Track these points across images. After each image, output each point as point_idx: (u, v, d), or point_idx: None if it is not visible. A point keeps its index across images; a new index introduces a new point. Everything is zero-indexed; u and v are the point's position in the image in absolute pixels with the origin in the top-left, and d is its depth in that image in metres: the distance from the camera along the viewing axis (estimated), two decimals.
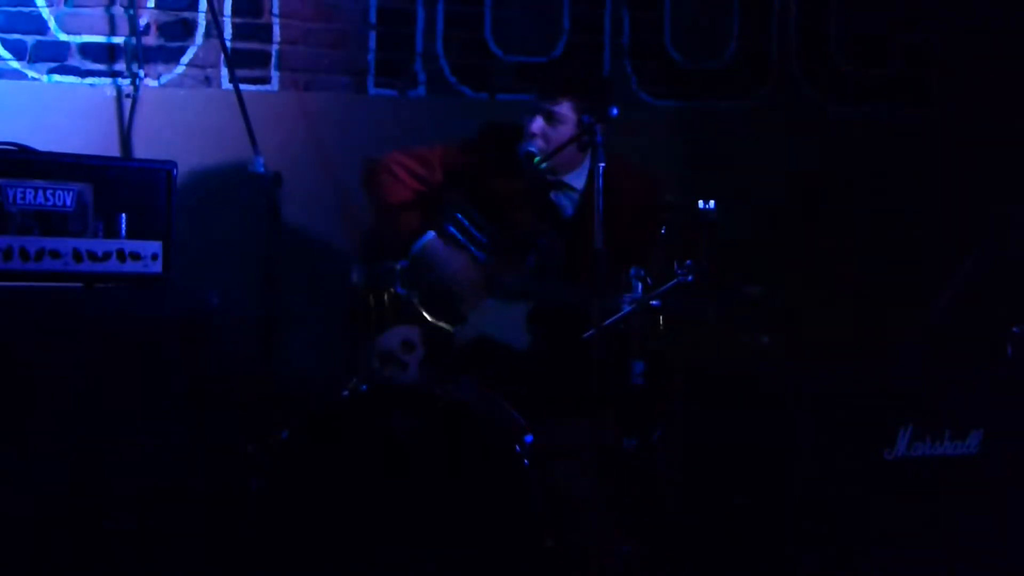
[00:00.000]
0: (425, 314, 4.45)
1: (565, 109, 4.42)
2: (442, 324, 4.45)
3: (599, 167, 3.86)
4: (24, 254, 3.98)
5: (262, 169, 4.54)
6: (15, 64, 5.04)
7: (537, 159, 4.37)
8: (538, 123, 4.44)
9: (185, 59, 5.19)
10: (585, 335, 4.04)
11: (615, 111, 3.89)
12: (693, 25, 5.62)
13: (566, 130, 4.41)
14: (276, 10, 5.27)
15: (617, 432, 4.27)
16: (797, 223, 5.62)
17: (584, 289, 4.12)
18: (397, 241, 4.48)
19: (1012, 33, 5.75)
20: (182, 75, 5.19)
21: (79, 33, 5.09)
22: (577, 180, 4.56)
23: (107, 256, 4.09)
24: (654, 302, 4.04)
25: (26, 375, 3.91)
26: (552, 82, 4.50)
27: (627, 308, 4.04)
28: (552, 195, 4.57)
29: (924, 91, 5.79)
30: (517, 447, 3.98)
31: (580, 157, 4.50)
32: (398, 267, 4.35)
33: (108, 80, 5.11)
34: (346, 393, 4.06)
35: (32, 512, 3.89)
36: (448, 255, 4.46)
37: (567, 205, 4.59)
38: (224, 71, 5.15)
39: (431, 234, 4.46)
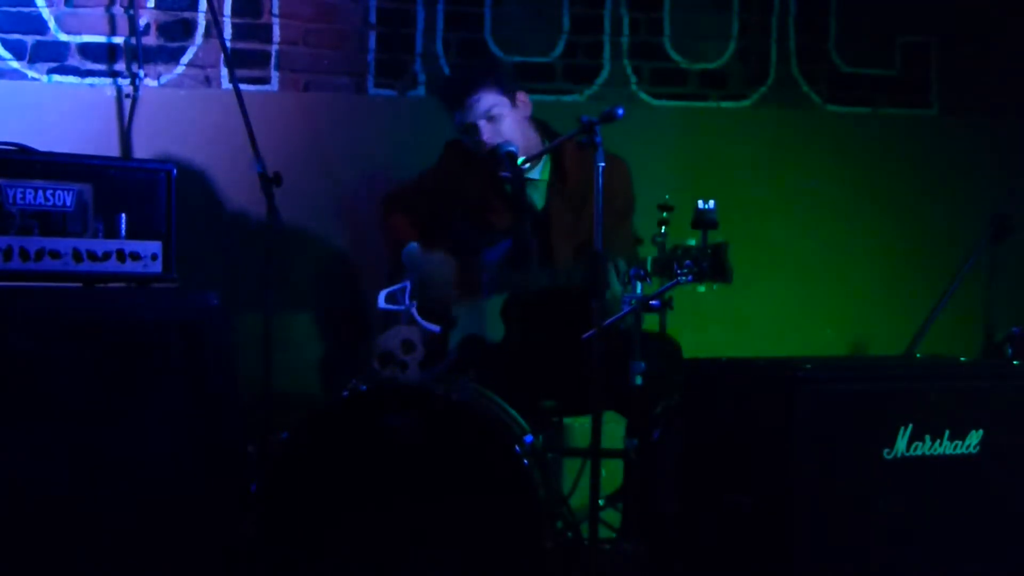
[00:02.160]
0: (418, 318, 4.49)
1: (491, 99, 4.50)
2: (433, 327, 4.48)
3: (599, 167, 3.86)
4: (24, 254, 3.98)
5: (261, 169, 4.54)
6: (15, 64, 5.04)
7: (521, 159, 4.40)
8: (483, 129, 4.50)
9: (185, 59, 5.19)
10: (585, 336, 4.06)
11: (621, 111, 3.87)
12: (692, 25, 5.62)
13: (510, 119, 4.52)
14: (276, 10, 5.27)
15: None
16: (796, 223, 5.63)
17: (555, 275, 4.35)
18: (394, 254, 4.65)
19: (1011, 33, 5.75)
20: (182, 75, 5.19)
21: (79, 33, 5.09)
22: (536, 172, 4.64)
23: (107, 256, 4.09)
24: (654, 302, 4.04)
25: (26, 375, 3.91)
26: (462, 85, 4.55)
27: (627, 308, 4.04)
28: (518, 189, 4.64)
29: (923, 92, 5.79)
30: (517, 447, 3.98)
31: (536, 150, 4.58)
32: (407, 285, 4.43)
33: (108, 80, 5.11)
34: (346, 393, 4.06)
35: (31, 512, 3.89)
36: (425, 257, 4.55)
37: (537, 198, 4.64)
38: (224, 71, 5.16)
39: (414, 244, 4.58)
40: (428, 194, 4.76)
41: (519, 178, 4.46)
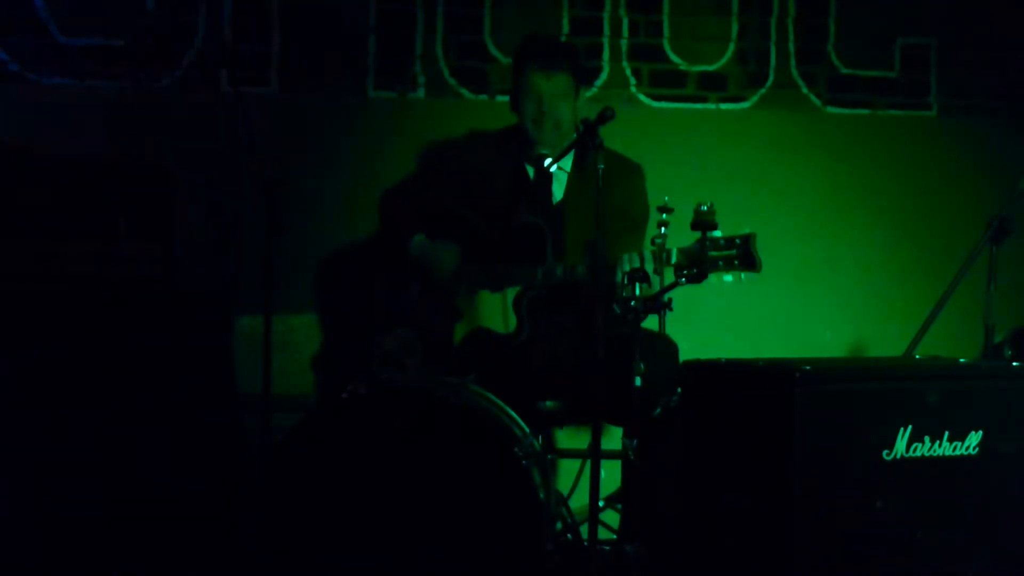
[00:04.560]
0: (423, 314, 4.50)
1: (569, 81, 4.55)
2: (441, 320, 4.48)
3: (599, 168, 3.90)
4: (24, 257, 3.99)
5: (261, 171, 4.52)
6: (15, 67, 5.05)
7: (548, 161, 4.42)
8: (547, 102, 4.51)
9: (185, 61, 5.19)
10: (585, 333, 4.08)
11: (610, 113, 3.95)
12: (692, 27, 5.62)
13: (570, 108, 4.55)
14: (276, 12, 5.27)
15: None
16: (795, 225, 5.63)
17: (571, 269, 4.34)
18: (398, 246, 4.60)
19: (1010, 35, 5.76)
20: (182, 78, 5.19)
21: (79, 36, 5.09)
22: (565, 163, 4.63)
23: (107, 259, 4.10)
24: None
25: (27, 378, 3.92)
26: (559, 53, 4.60)
27: (627, 311, 4.05)
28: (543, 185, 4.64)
29: (923, 93, 5.79)
30: (516, 449, 3.98)
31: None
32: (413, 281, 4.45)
33: (108, 83, 5.11)
34: (346, 395, 4.06)
35: (30, 512, 3.90)
36: (432, 250, 4.54)
37: (557, 189, 4.65)
38: (224, 73, 5.15)
39: (420, 235, 4.56)
40: (440, 183, 4.73)
41: (543, 177, 4.50)
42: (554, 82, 4.52)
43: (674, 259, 4.08)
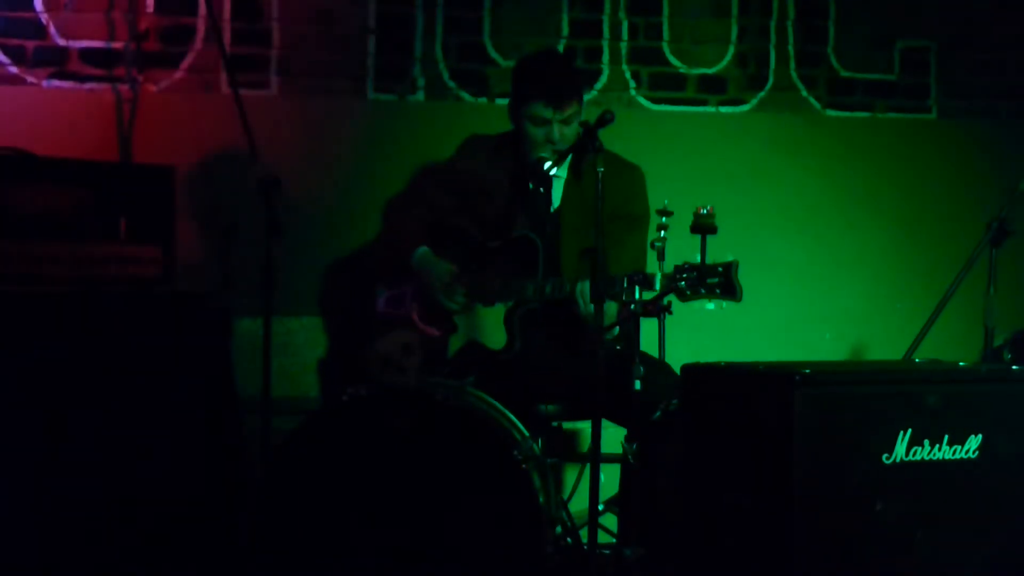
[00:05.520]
0: (418, 323, 4.49)
1: (577, 107, 4.50)
2: (434, 331, 4.48)
3: (598, 172, 3.91)
4: (24, 259, 3.99)
5: (261, 173, 4.53)
6: (15, 69, 5.05)
7: (548, 164, 4.41)
8: (556, 129, 4.48)
9: (184, 64, 5.19)
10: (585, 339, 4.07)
11: (610, 116, 3.95)
12: (691, 30, 5.63)
13: (574, 125, 4.50)
14: (275, 15, 5.27)
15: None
16: (795, 227, 5.64)
17: (561, 286, 4.32)
18: (402, 258, 4.59)
19: (1010, 37, 5.76)
20: (182, 80, 5.19)
21: (79, 38, 5.09)
22: (561, 170, 4.62)
23: (107, 260, 4.10)
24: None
25: (27, 378, 3.91)
26: (570, 87, 4.52)
27: (628, 314, 4.05)
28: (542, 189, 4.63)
29: (923, 96, 5.80)
30: (516, 453, 3.98)
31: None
32: (408, 290, 4.42)
33: (108, 85, 5.11)
34: (346, 397, 4.06)
35: (30, 513, 3.90)
36: (435, 264, 4.52)
37: (555, 196, 4.64)
38: (223, 76, 5.16)
39: (425, 248, 4.55)
40: (441, 187, 4.71)
41: (543, 180, 4.49)
42: (564, 113, 4.46)
43: (658, 285, 4.05)
